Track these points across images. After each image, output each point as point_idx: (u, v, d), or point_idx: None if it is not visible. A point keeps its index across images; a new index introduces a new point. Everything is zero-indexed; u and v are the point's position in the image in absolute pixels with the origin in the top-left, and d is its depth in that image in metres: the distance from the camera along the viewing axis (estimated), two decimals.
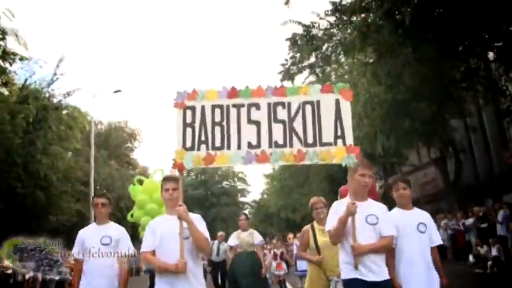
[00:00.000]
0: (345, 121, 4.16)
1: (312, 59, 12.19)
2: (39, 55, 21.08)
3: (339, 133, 4.15)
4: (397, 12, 10.10)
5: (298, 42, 11.75)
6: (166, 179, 4.19)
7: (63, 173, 18.54)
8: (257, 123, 4.19)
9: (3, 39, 11.61)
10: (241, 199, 57.03)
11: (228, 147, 4.17)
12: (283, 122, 4.20)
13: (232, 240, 8.32)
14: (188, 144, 4.18)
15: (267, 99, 4.26)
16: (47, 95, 16.20)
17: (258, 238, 8.20)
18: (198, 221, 4.00)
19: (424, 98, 13.41)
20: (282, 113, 4.22)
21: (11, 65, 12.53)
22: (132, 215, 8.20)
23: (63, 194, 19.76)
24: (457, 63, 12.21)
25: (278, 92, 4.29)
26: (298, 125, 4.19)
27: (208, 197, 52.84)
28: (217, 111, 4.25)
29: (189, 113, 4.24)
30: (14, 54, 12.27)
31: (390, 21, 10.20)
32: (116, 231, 4.68)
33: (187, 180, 54.29)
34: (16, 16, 11.57)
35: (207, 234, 4.01)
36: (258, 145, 4.13)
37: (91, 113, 25.32)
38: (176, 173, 4.21)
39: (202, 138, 4.19)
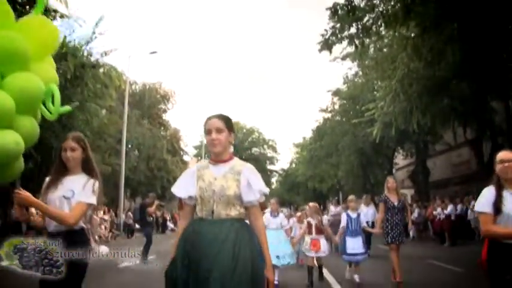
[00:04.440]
0: None
1: (352, 30, 11.93)
2: (79, 13, 21.30)
3: None
4: None
5: (339, 12, 11.48)
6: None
7: (97, 129, 18.94)
8: None
9: None
10: (270, 167, 57.35)
11: None
12: None
13: None
14: None
15: None
16: (85, 53, 16.39)
17: None
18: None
19: (466, 76, 12.97)
20: None
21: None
22: None
23: (97, 149, 20.32)
24: (505, 43, 11.71)
25: None
26: None
27: None
28: None
29: None
30: (55, 11, 12.36)
31: None
32: None
33: None
34: None
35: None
36: None
37: (126, 73, 25.64)
38: None
39: None
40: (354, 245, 7.73)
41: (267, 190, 2.87)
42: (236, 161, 2.98)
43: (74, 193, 3.10)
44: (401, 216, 7.36)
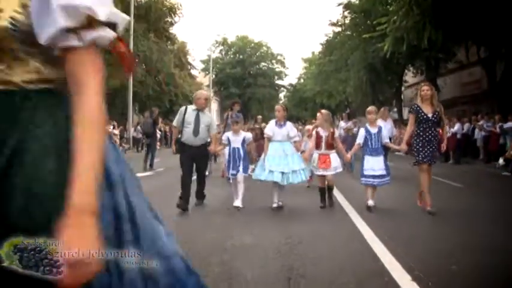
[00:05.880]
0: None
1: None
2: None
3: None
4: None
5: None
6: None
7: None
8: None
9: None
10: (278, 81, 56.98)
11: None
12: None
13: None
14: None
15: None
16: None
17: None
18: None
19: None
20: None
21: None
22: None
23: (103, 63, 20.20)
24: None
25: None
26: None
27: (245, 76, 52.88)
28: None
29: None
30: None
31: None
32: None
33: (225, 58, 54.21)
34: None
35: None
36: None
37: None
38: None
39: None
40: (374, 165, 6.49)
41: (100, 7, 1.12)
42: None
43: None
44: (435, 132, 6.31)
